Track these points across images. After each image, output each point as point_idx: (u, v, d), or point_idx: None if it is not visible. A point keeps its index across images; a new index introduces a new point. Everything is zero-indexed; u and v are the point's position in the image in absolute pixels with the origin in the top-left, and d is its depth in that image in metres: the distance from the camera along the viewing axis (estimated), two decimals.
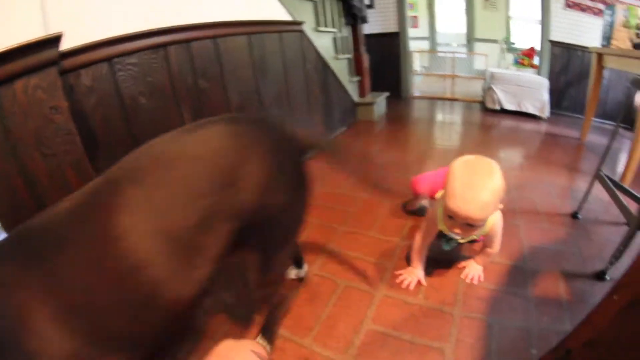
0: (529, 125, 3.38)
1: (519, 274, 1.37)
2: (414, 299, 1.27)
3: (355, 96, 3.50)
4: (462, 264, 1.41)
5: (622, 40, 2.60)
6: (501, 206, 1.13)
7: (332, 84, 2.96)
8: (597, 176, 1.63)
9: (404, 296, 1.29)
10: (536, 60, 4.00)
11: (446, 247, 1.24)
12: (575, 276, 1.34)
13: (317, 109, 2.71)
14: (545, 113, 3.53)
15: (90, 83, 1.13)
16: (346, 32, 3.29)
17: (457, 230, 1.08)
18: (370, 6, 4.14)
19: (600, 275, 1.31)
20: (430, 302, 1.25)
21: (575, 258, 1.44)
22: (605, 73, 2.91)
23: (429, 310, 1.22)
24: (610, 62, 2.48)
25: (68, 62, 1.05)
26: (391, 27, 4.35)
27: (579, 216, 1.72)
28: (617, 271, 1.29)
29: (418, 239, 1.32)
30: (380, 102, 3.74)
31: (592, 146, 2.77)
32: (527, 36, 4.89)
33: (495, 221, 1.18)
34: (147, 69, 1.29)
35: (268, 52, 2.00)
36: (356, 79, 3.47)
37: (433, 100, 4.60)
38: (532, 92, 3.56)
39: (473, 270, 1.35)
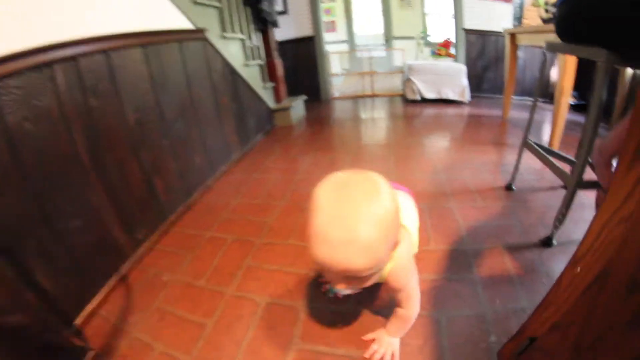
0: (451, 111, 3.40)
1: (460, 257, 1.22)
2: (345, 307, 1.06)
3: (270, 102, 3.37)
4: (369, 335, 0.96)
5: (533, 18, 2.69)
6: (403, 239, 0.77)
7: (243, 91, 2.80)
8: (526, 144, 1.57)
9: (333, 306, 1.07)
10: (453, 51, 4.08)
11: (331, 294, 1.04)
12: (521, 248, 1.23)
13: (228, 119, 2.50)
14: (466, 97, 3.58)
15: None
16: (256, 37, 3.15)
17: (341, 286, 0.67)
18: (283, 12, 4.06)
19: (547, 242, 1.23)
20: (364, 307, 1.06)
21: (516, 230, 1.34)
22: (521, 53, 2.97)
23: (364, 317, 1.02)
24: (523, 40, 2.54)
25: None
26: (306, 31, 4.28)
27: (514, 187, 1.65)
28: (563, 235, 1.22)
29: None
30: (297, 106, 3.62)
31: (516, 122, 2.80)
32: (443, 30, 5.08)
33: (398, 262, 0.75)
34: (32, 91, 1.12)
35: (167, 63, 1.82)
36: (270, 85, 3.33)
37: (354, 99, 4.55)
38: (451, 78, 3.61)
39: (383, 345, 0.91)
